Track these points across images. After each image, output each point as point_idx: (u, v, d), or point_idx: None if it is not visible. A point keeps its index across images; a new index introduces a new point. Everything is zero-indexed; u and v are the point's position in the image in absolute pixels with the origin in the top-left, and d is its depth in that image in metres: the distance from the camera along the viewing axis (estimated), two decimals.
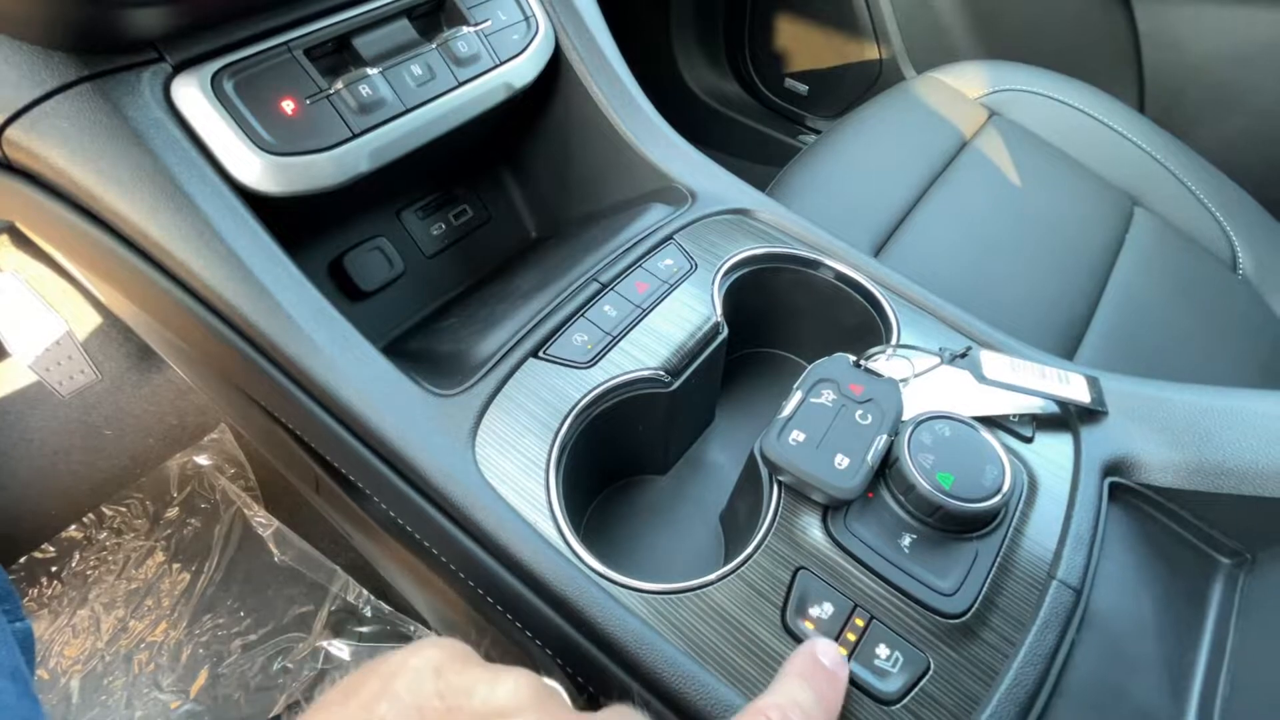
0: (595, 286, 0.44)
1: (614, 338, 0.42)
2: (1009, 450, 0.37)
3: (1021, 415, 0.39)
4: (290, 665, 0.86)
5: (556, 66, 0.57)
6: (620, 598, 0.33)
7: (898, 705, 0.30)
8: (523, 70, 0.52)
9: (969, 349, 0.39)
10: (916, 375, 0.39)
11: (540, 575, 0.33)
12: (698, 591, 0.33)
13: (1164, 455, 0.38)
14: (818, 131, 1.37)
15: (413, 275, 0.61)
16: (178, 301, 0.39)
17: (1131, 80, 1.07)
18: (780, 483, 0.36)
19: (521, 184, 0.68)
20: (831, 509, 0.35)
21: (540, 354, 0.41)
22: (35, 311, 0.88)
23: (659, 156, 0.56)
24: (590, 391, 0.39)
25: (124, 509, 0.98)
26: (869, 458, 0.34)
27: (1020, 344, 0.45)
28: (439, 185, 0.64)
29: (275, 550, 0.94)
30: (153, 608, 0.90)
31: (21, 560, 0.92)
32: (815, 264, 0.49)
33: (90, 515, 0.97)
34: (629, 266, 0.46)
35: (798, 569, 0.34)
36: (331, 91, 0.42)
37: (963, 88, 0.94)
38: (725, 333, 0.45)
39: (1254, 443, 0.36)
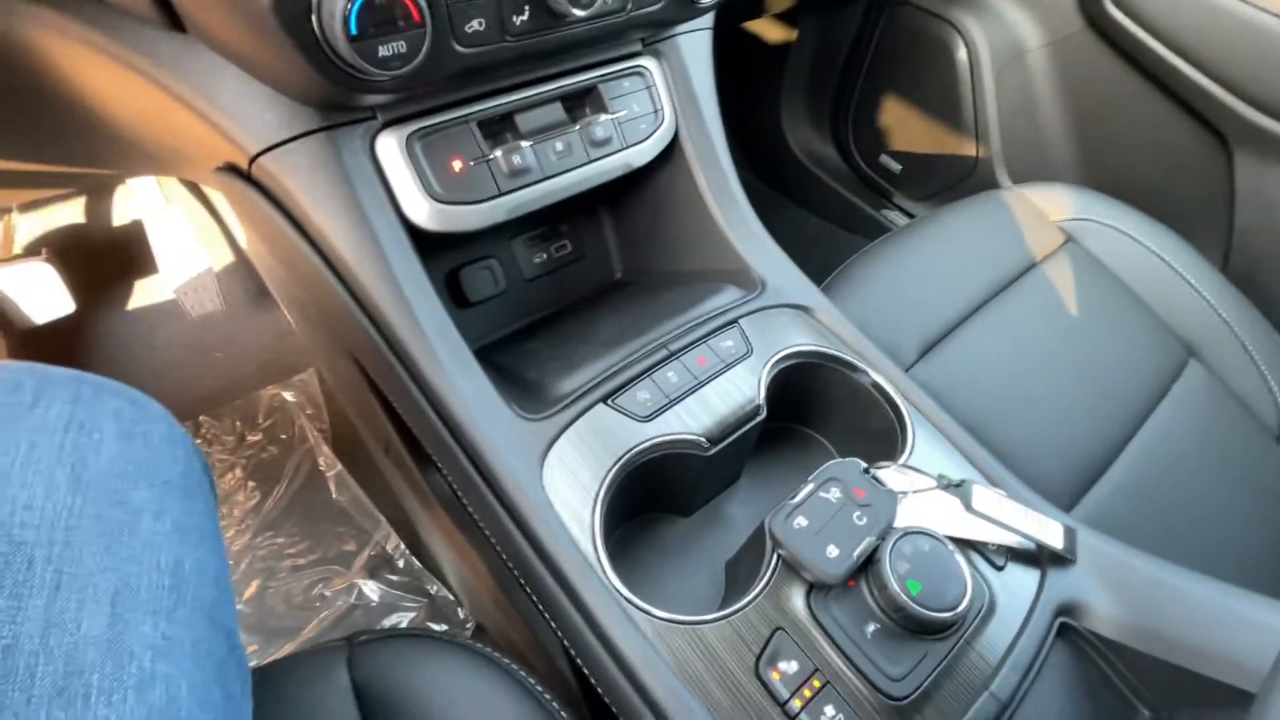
0: (664, 353, 0.53)
1: (671, 400, 0.50)
2: (977, 573, 0.44)
3: (999, 545, 0.46)
4: (328, 594, 0.97)
5: (671, 146, 0.65)
6: (632, 615, 0.41)
7: None
8: (643, 153, 0.61)
9: (964, 481, 0.46)
10: (914, 493, 0.46)
11: (574, 583, 0.42)
12: (694, 626, 0.41)
13: (1113, 611, 0.44)
14: (902, 209, 1.42)
15: (511, 294, 0.71)
16: (340, 298, 0.50)
17: (1221, 235, 1.08)
18: (780, 555, 0.43)
19: (618, 230, 0.77)
20: (816, 587, 0.42)
21: (609, 401, 0.50)
22: (188, 244, 1.03)
23: (739, 240, 0.64)
24: (643, 442, 0.48)
25: (218, 424, 1.12)
26: (855, 553, 0.41)
27: (1019, 484, 0.51)
28: (547, 220, 0.74)
29: (334, 490, 1.07)
30: (225, 515, 1.03)
31: None
32: (854, 368, 0.56)
33: (189, 422, 1.12)
34: (695, 341, 0.54)
35: (777, 628, 0.41)
36: (491, 157, 0.52)
37: (1046, 208, 0.98)
38: (764, 414, 0.52)
39: (1188, 621, 0.42)
